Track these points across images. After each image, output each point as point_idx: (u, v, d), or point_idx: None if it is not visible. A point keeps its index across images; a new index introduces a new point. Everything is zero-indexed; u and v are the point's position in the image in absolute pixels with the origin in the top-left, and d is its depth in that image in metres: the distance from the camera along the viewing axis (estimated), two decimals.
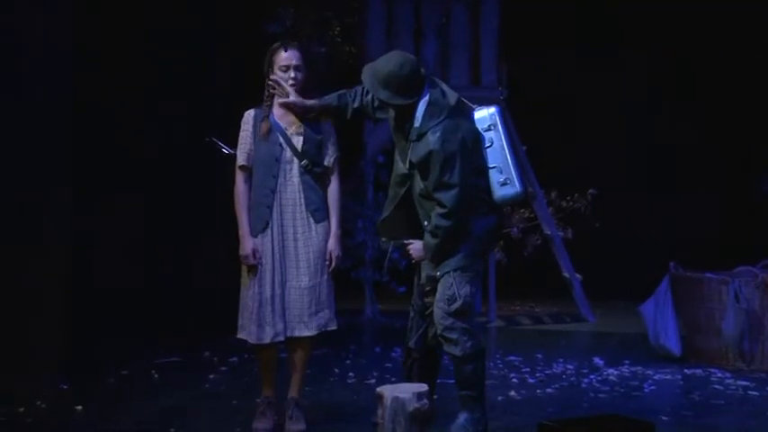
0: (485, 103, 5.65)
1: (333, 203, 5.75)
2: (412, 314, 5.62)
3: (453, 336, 5.34)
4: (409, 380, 5.52)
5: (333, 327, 5.74)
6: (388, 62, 5.28)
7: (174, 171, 9.23)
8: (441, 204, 5.24)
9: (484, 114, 5.44)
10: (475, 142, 5.34)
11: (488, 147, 5.38)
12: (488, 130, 5.40)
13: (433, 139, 5.20)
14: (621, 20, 11.85)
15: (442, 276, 5.37)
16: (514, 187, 5.37)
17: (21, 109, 6.49)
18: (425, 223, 5.37)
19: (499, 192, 5.38)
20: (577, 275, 10.11)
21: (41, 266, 6.55)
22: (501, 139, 5.39)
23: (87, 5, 7.61)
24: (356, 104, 5.64)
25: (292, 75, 5.65)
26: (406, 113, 5.31)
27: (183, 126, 9.16)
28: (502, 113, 5.50)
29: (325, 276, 5.70)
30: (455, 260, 5.36)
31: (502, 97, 9.68)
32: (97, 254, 8.80)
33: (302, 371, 5.78)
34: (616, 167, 11.94)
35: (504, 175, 5.35)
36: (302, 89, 5.66)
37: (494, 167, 5.36)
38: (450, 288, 5.34)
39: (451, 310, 5.32)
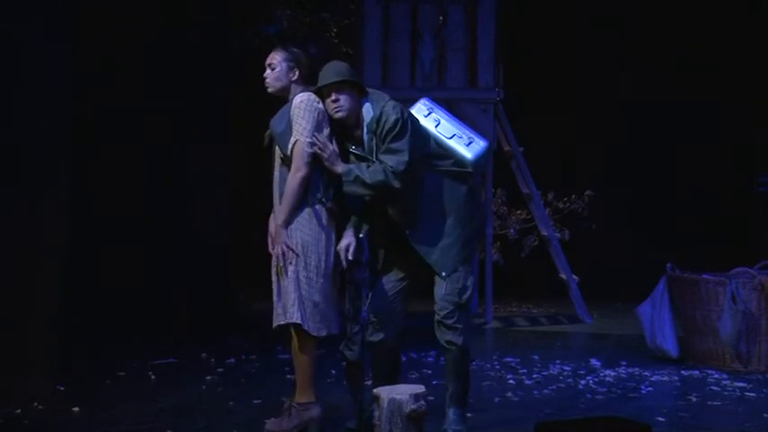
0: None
1: (284, 192, 5.37)
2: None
3: (459, 326, 5.43)
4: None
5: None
6: (339, 63, 5.57)
7: (172, 171, 9.22)
8: (390, 166, 5.27)
9: (419, 105, 5.66)
10: (418, 125, 5.48)
11: (438, 125, 5.56)
12: (429, 114, 5.61)
13: (390, 109, 5.35)
14: (620, 19, 11.89)
15: (453, 273, 5.43)
16: (480, 142, 5.56)
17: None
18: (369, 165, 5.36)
19: (470, 152, 5.51)
20: (574, 277, 10.12)
21: (38, 267, 6.54)
22: (445, 116, 5.62)
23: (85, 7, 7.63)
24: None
25: (265, 73, 5.52)
26: (358, 116, 5.39)
27: (182, 127, 9.16)
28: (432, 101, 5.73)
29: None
30: (457, 255, 5.44)
31: (498, 98, 9.66)
32: (95, 254, 8.79)
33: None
34: (613, 169, 11.97)
35: (465, 137, 5.54)
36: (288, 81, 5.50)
37: (452, 136, 5.54)
38: (458, 281, 5.45)
39: (462, 302, 5.44)
